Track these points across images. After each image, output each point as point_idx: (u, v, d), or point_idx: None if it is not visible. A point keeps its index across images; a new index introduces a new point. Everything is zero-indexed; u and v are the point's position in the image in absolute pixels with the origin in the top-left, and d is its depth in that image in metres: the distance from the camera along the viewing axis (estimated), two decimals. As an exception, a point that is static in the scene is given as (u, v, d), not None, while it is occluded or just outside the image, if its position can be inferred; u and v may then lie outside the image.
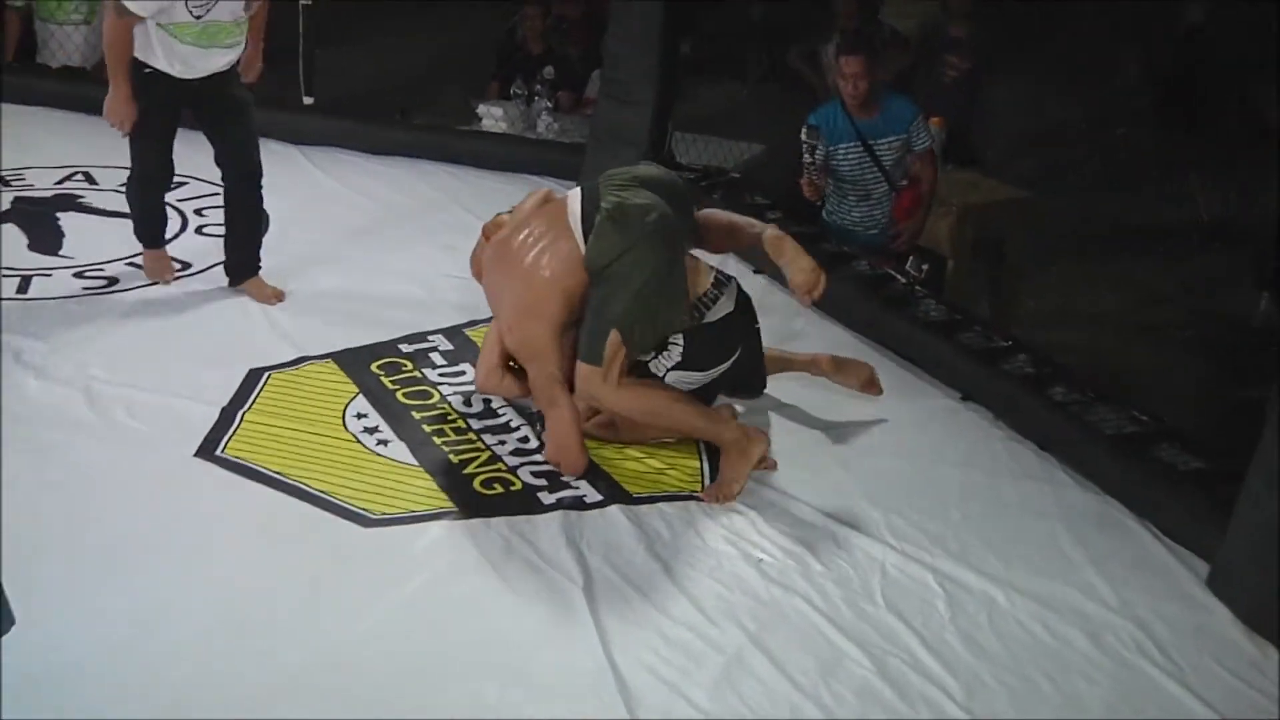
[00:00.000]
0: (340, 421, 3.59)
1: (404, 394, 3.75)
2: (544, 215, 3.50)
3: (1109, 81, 6.59)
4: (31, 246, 4.60)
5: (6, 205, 4.94)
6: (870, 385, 3.80)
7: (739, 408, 3.75)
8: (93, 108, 5.99)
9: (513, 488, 3.34)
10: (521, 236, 3.48)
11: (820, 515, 3.32)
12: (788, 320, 4.40)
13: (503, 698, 2.63)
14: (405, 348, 4.01)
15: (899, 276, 4.63)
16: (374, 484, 3.31)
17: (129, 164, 4.29)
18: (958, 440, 3.76)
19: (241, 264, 4.35)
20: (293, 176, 5.36)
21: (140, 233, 4.37)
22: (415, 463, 3.42)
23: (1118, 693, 2.79)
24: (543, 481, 3.36)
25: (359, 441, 3.50)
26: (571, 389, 3.39)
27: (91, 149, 5.56)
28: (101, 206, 5.01)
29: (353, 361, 3.90)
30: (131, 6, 3.84)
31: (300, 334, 4.06)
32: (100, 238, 4.70)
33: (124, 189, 4.49)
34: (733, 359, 3.54)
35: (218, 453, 3.39)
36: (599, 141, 5.56)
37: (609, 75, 5.56)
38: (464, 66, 7.09)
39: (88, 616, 2.75)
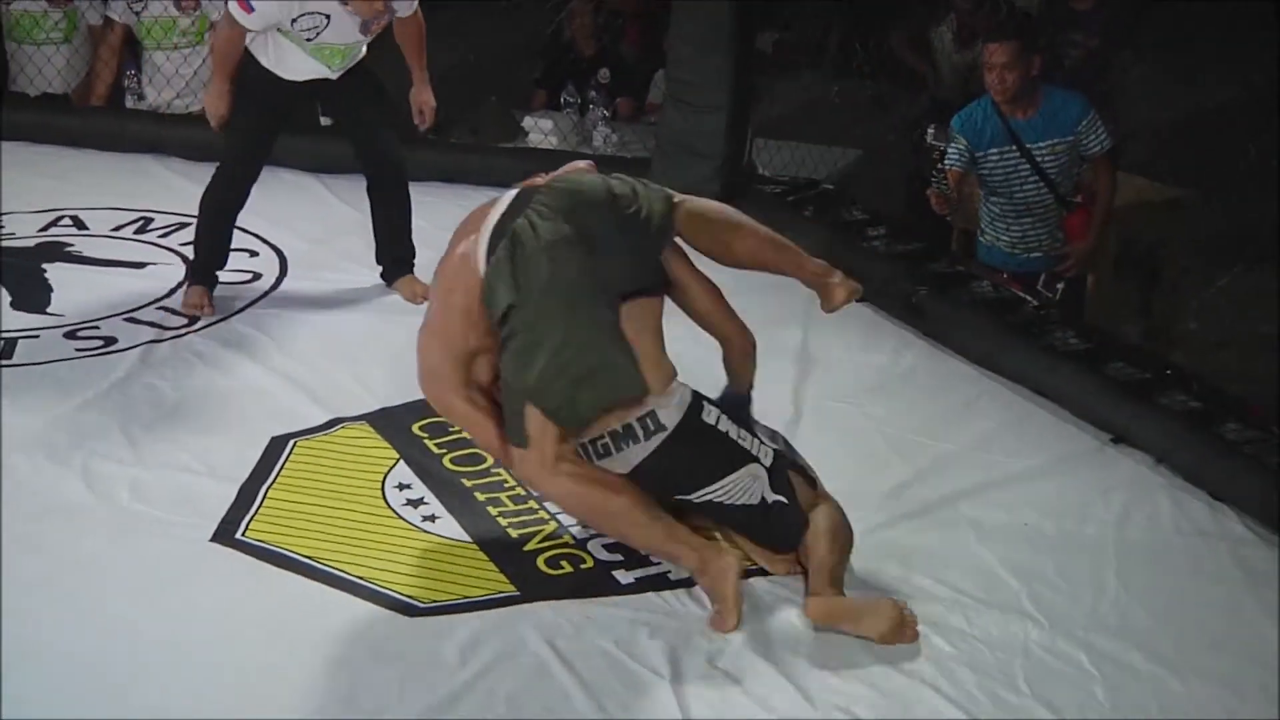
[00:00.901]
0: (379, 494, 3.66)
1: (451, 459, 3.81)
2: (476, 218, 3.35)
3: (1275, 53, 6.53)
4: (15, 305, 4.74)
5: (-15, 258, 5.10)
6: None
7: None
8: (78, 139, 6.29)
9: (583, 565, 3.38)
10: (460, 243, 3.34)
11: (946, 587, 3.32)
12: (896, 357, 4.44)
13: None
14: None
15: (1028, 298, 4.63)
16: (421, 566, 3.36)
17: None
18: (1109, 491, 3.75)
19: (397, 260, 4.81)
20: (310, 207, 5.49)
21: (197, 260, 4.73)
22: (468, 539, 3.47)
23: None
24: (618, 557, 3.39)
25: (401, 517, 3.56)
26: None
27: (79, 188, 5.75)
28: (93, 255, 5.16)
29: (391, 423, 3.96)
30: (242, 21, 4.38)
31: (328, 391, 4.15)
32: (93, 291, 4.84)
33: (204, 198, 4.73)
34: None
35: (238, 536, 3.46)
36: (665, 154, 5.63)
37: (674, 77, 5.64)
38: (502, 74, 7.16)
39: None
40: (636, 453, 3.22)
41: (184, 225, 5.27)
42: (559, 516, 3.53)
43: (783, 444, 3.62)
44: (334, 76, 4.57)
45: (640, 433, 3.21)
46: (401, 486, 3.69)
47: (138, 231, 5.41)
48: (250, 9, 4.34)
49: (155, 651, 3.05)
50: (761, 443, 3.32)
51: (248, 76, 4.54)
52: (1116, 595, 3.30)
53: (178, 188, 5.82)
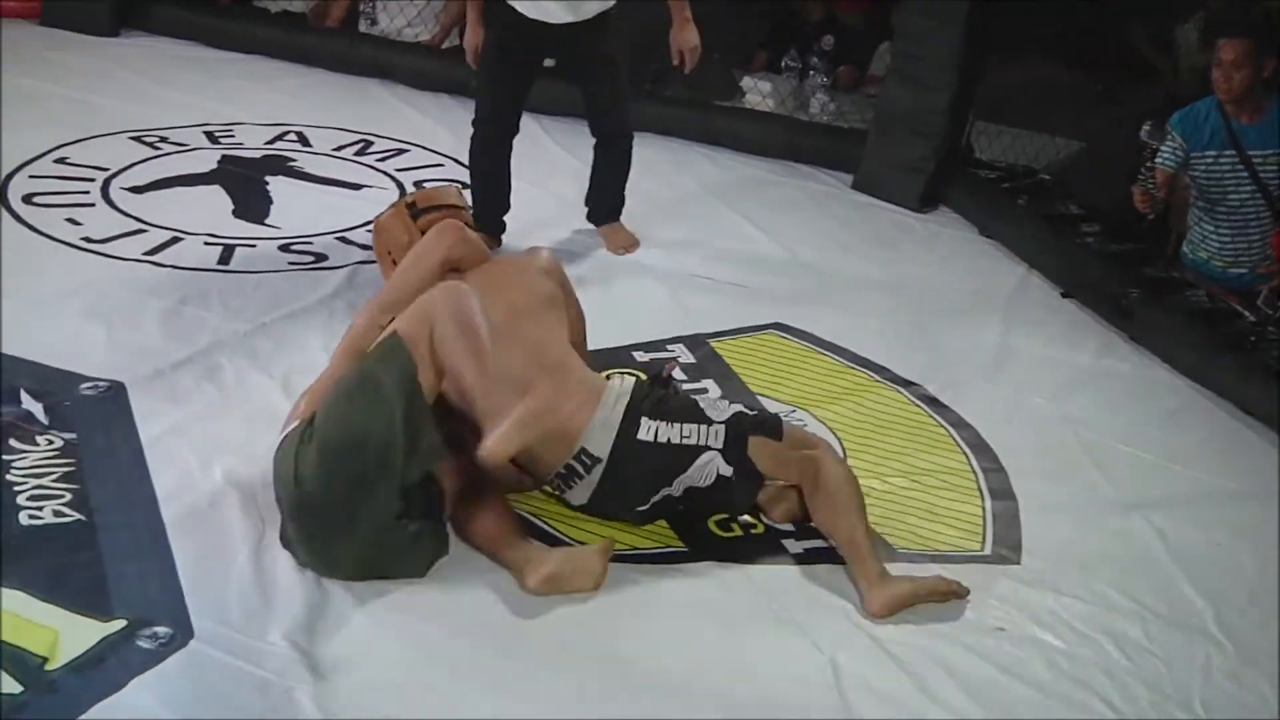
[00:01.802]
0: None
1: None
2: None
3: None
4: (237, 213, 4.90)
5: (213, 165, 5.27)
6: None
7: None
8: (310, 58, 6.45)
9: (754, 530, 3.35)
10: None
11: (1128, 598, 3.22)
12: (1099, 358, 4.30)
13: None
14: (640, 356, 4.08)
15: (1245, 313, 4.44)
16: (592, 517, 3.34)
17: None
18: (1313, 522, 3.58)
19: (602, 207, 4.84)
20: (528, 147, 5.52)
21: (477, 208, 4.44)
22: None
23: None
24: (788, 526, 3.35)
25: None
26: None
27: (308, 105, 5.92)
28: (314, 172, 5.30)
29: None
30: None
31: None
32: (310, 207, 4.97)
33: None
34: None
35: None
36: (883, 129, 5.55)
37: (901, 49, 5.54)
38: (726, 32, 7.12)
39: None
40: (584, 488, 3.22)
41: (403, 151, 5.35)
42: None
43: (741, 406, 3.38)
44: (601, 8, 4.44)
45: (581, 470, 3.19)
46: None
47: (358, 153, 5.53)
48: None
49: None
50: (711, 423, 3.22)
51: (500, 14, 4.49)
52: (1317, 631, 3.16)
53: (402, 114, 5.95)
